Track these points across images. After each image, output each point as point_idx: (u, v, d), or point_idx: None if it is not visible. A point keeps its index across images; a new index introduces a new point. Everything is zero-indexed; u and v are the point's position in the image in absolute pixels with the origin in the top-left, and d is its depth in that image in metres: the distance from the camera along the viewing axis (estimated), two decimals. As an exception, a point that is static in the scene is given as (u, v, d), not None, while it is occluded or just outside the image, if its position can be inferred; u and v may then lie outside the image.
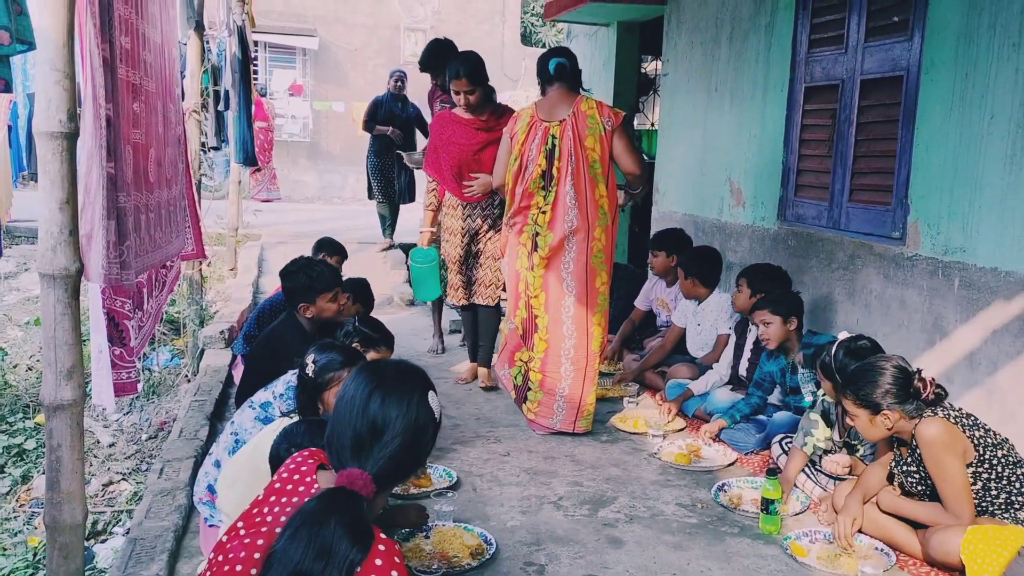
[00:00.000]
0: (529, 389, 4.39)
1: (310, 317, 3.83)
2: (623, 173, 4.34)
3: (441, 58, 5.80)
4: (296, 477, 1.91)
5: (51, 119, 2.35)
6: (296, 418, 2.73)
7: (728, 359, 4.76)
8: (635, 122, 8.73)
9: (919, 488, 3.10)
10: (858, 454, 3.54)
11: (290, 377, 3.21)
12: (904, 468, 3.13)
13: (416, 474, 2.03)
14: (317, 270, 3.88)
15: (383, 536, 1.73)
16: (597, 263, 4.25)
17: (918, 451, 3.00)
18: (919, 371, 3.04)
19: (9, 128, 9.50)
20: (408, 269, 8.82)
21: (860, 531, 3.18)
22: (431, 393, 2.00)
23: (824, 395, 3.65)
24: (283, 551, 1.66)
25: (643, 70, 9.65)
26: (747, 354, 4.65)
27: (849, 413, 3.13)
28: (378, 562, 1.67)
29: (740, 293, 4.60)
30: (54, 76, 2.34)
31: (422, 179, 8.96)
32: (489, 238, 5.12)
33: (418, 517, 3.06)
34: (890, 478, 3.23)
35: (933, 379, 3.03)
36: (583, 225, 4.20)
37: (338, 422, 1.92)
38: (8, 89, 2.19)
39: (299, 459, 1.97)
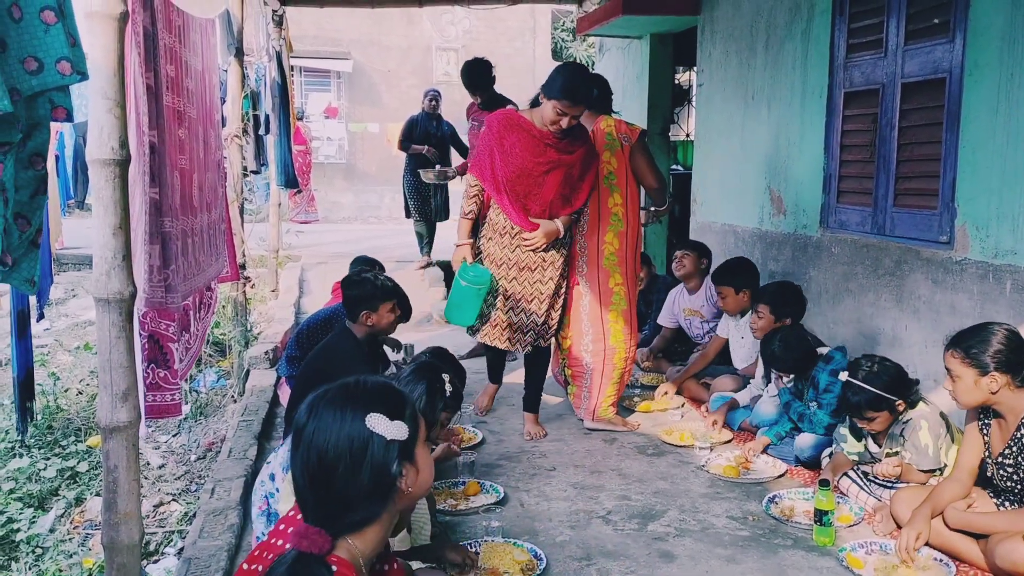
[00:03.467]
0: (568, 383, 4.79)
1: (370, 326, 3.88)
2: (643, 187, 4.59)
3: (480, 75, 5.94)
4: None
5: (104, 146, 2.40)
6: None
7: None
8: (670, 133, 8.70)
9: (1008, 484, 3.01)
10: (907, 459, 3.46)
11: None
12: (999, 460, 3.02)
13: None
14: (381, 279, 4.02)
15: None
16: (609, 265, 4.50)
17: (1022, 438, 2.90)
18: None
19: (56, 158, 9.74)
20: (448, 284, 8.96)
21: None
22: (370, 416, 1.72)
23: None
24: None
25: (677, 81, 9.63)
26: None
27: (952, 374, 3.00)
28: None
29: (763, 319, 4.51)
30: (106, 104, 2.40)
31: (456, 197, 9.06)
32: (536, 279, 4.38)
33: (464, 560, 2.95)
34: (983, 471, 3.11)
35: None
36: (593, 230, 4.48)
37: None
38: (69, 118, 2.25)
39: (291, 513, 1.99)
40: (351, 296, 3.97)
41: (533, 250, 4.31)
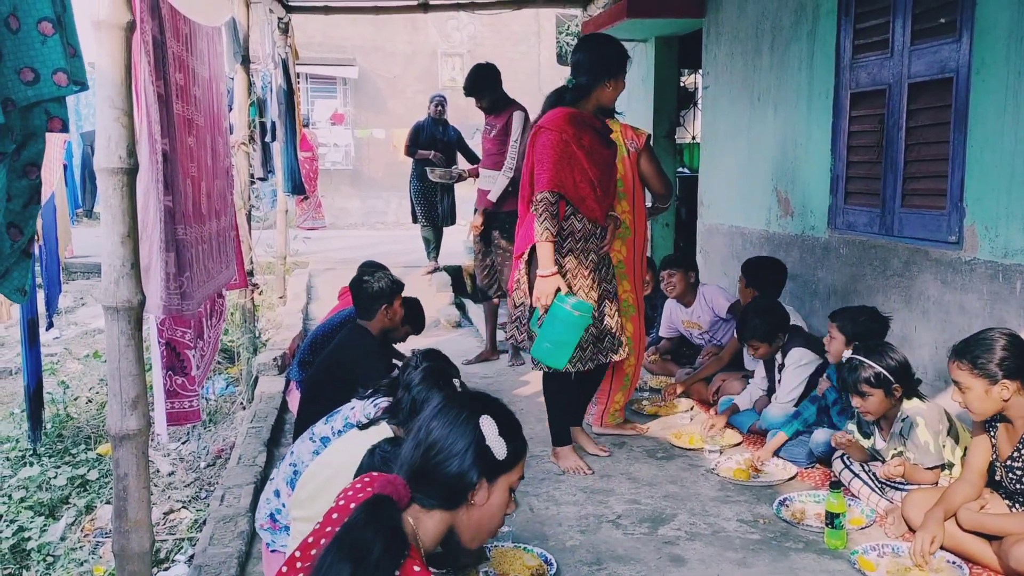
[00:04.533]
0: None
1: (390, 319, 4.11)
2: (650, 192, 4.51)
3: (482, 78, 5.93)
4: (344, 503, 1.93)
5: (111, 155, 2.41)
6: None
7: (763, 372, 4.70)
8: (676, 136, 8.69)
9: (1017, 487, 2.98)
10: (911, 460, 3.44)
11: (349, 413, 3.21)
12: (1008, 463, 3.00)
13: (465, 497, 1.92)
14: (387, 271, 4.26)
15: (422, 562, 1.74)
16: (618, 272, 4.38)
17: None
18: None
19: (64, 167, 9.77)
20: (456, 288, 8.94)
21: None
22: (485, 417, 1.89)
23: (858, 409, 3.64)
24: (320, 560, 1.68)
25: (682, 83, 9.62)
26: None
27: (961, 386, 2.97)
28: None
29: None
30: (113, 114, 2.41)
31: (462, 202, 9.07)
32: (609, 276, 4.12)
33: (476, 558, 2.99)
34: (991, 474, 3.09)
35: None
36: None
37: None
38: (65, 129, 2.26)
39: (358, 485, 1.98)
40: (366, 294, 4.09)
41: (605, 249, 4.05)
